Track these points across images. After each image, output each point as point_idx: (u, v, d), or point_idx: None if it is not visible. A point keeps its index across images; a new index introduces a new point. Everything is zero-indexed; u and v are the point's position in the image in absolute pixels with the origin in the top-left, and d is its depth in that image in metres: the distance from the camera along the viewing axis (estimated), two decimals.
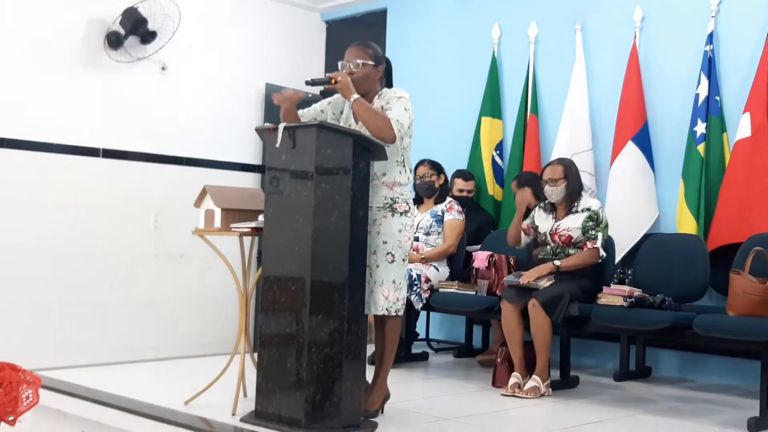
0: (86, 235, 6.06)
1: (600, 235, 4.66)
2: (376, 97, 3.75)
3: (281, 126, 3.48)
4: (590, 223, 4.68)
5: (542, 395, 4.41)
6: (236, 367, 3.92)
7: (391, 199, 3.69)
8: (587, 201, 4.78)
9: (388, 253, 3.65)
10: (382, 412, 3.81)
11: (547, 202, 4.86)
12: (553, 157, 5.45)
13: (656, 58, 5.44)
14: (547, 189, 4.77)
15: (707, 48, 5.10)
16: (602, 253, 4.66)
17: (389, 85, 3.86)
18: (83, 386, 4.32)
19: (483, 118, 6.15)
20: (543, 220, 4.86)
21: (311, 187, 3.38)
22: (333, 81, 3.61)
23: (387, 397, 3.85)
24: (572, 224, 4.71)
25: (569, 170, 4.78)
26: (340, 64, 3.74)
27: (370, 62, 3.72)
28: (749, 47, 5.03)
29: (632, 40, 5.47)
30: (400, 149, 3.71)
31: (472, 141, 6.18)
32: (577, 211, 4.74)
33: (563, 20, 5.88)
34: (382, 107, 3.67)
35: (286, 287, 3.45)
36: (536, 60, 6.03)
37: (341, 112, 3.84)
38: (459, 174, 5.98)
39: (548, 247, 4.79)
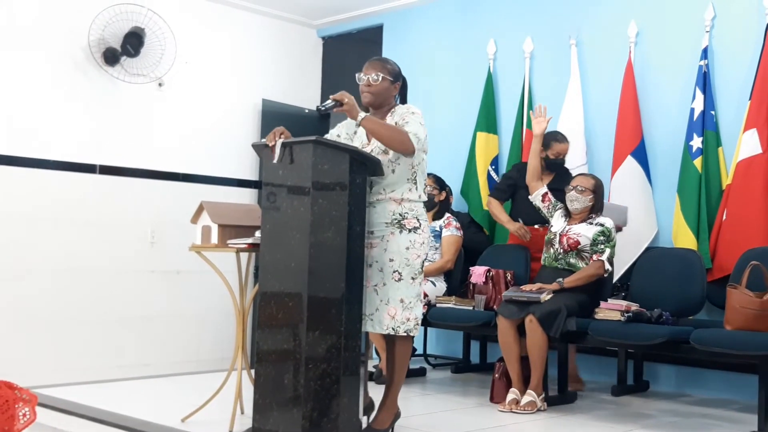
0: (83, 252, 6.05)
1: (608, 251, 4.69)
2: (389, 114, 3.75)
3: (279, 142, 3.48)
4: (601, 238, 4.71)
5: (538, 410, 4.41)
6: (233, 384, 3.92)
7: (400, 214, 3.63)
8: (601, 218, 4.82)
9: (394, 271, 3.59)
10: (393, 431, 3.79)
11: (564, 206, 4.91)
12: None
13: (651, 73, 5.47)
14: (573, 195, 4.81)
15: (702, 63, 5.12)
16: (607, 266, 4.68)
17: (403, 102, 3.86)
18: (80, 404, 4.31)
19: (478, 133, 6.17)
20: (557, 221, 4.90)
21: (308, 202, 3.38)
22: (341, 103, 3.59)
23: (397, 416, 3.81)
24: (583, 232, 4.76)
25: (599, 188, 4.85)
26: (357, 77, 3.75)
27: (389, 77, 3.73)
28: (743, 61, 5.05)
29: (627, 55, 5.49)
30: (415, 165, 3.67)
31: (468, 156, 6.20)
32: (591, 223, 4.77)
33: (558, 35, 5.91)
34: (396, 123, 3.65)
35: (283, 303, 3.45)
36: (532, 75, 6.05)
37: (355, 132, 3.83)
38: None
39: (552, 249, 4.82)
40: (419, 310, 3.65)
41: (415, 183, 3.68)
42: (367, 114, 3.60)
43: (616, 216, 5.00)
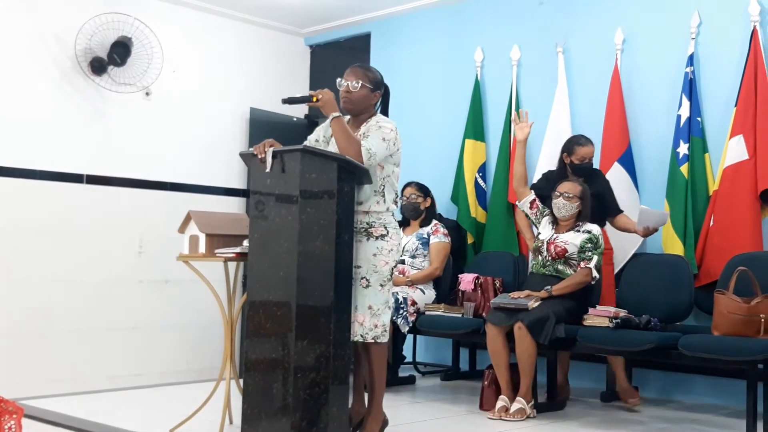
0: (70, 262, 6.02)
1: (595, 258, 4.70)
2: (366, 122, 3.73)
3: (269, 151, 3.47)
4: (589, 245, 4.72)
5: (528, 417, 4.41)
6: (222, 394, 3.90)
7: (367, 223, 3.64)
8: (588, 225, 4.81)
9: (362, 278, 3.59)
10: None
11: (551, 212, 4.90)
12: (536, 178, 5.47)
13: (638, 80, 5.49)
14: (560, 201, 4.80)
15: (688, 69, 5.15)
16: (595, 274, 4.69)
17: (384, 111, 3.84)
18: (67, 415, 4.28)
19: (466, 140, 6.17)
20: (545, 229, 4.91)
21: (296, 211, 3.38)
22: (315, 99, 3.59)
23: (385, 423, 3.80)
24: (570, 239, 4.76)
25: (586, 194, 4.83)
26: (338, 82, 3.74)
27: (369, 85, 3.72)
28: (730, 68, 5.08)
29: (614, 62, 5.52)
30: (382, 178, 3.67)
31: (456, 163, 6.20)
32: (579, 231, 4.78)
33: (545, 43, 5.93)
34: (363, 134, 3.66)
35: (271, 312, 3.44)
36: (519, 83, 6.07)
37: (332, 136, 3.82)
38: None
39: (540, 257, 4.82)
40: (387, 317, 3.65)
41: (383, 195, 3.69)
42: (340, 116, 3.58)
43: (654, 219, 4.80)
